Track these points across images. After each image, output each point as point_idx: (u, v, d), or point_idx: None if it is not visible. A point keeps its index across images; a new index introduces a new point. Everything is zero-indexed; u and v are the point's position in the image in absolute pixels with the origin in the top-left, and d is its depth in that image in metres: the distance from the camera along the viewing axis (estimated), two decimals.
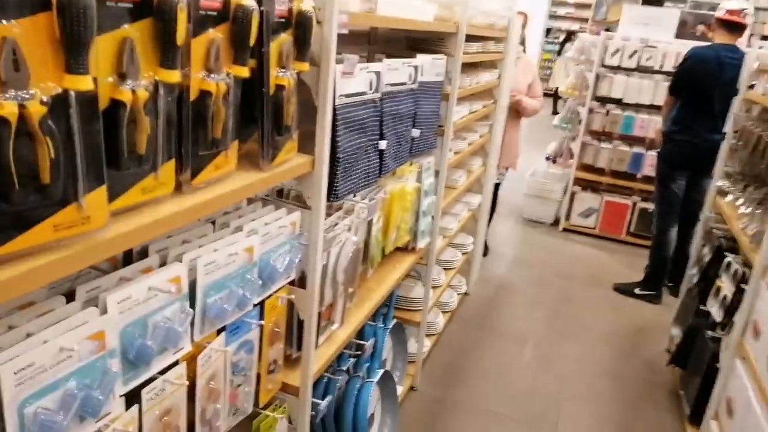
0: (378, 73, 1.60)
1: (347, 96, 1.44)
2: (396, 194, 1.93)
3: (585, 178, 5.00)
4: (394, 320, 2.33)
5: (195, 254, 1.02)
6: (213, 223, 1.20)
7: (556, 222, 5.15)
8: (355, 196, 1.70)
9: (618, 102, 4.79)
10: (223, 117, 0.98)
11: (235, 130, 1.04)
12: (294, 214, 1.29)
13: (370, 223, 1.78)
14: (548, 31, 13.86)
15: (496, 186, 4.06)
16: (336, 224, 1.52)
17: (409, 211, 2.10)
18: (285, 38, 1.12)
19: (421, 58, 1.95)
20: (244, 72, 1.01)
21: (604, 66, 4.75)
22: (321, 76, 1.24)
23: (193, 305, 1.01)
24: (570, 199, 5.05)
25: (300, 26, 1.15)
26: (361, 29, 2.31)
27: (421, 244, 2.26)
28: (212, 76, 0.94)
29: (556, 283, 4.05)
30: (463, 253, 3.27)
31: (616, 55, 4.70)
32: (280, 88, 1.12)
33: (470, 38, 2.52)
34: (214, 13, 0.91)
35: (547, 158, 5.37)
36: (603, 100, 4.82)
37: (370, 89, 1.57)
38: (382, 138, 1.69)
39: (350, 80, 1.43)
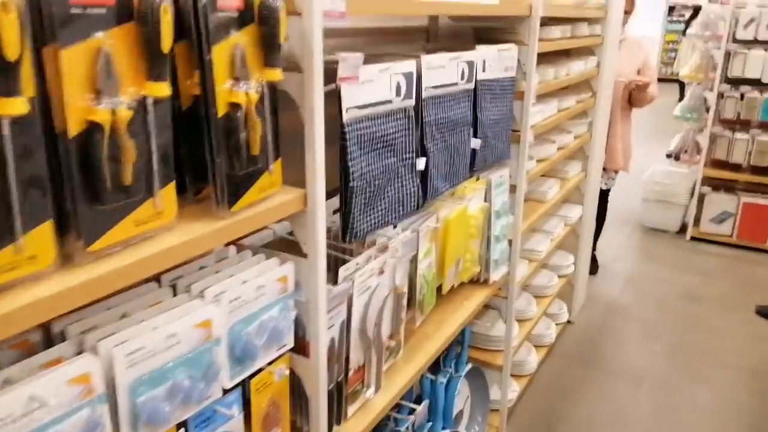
0: (409, 75, 1.26)
1: (360, 107, 1.12)
2: (452, 221, 1.57)
3: (716, 177, 4.25)
4: (469, 365, 1.96)
5: (118, 339, 0.76)
6: (174, 287, 0.93)
7: (683, 230, 4.43)
8: (395, 228, 1.38)
9: (756, 83, 4.01)
10: (132, 154, 0.71)
11: (165, 169, 0.77)
12: (285, 266, 1.00)
13: (415, 259, 1.44)
14: (671, 9, 12.47)
15: (605, 193, 3.51)
16: (358, 268, 1.20)
17: (475, 237, 1.73)
18: (238, 38, 0.83)
19: (481, 51, 1.58)
20: (163, 90, 0.73)
21: (735, 41, 4.00)
22: (305, 84, 0.93)
23: (117, 406, 0.75)
24: (699, 202, 4.31)
25: (265, 21, 0.85)
26: (416, 24, 1.98)
27: (496, 275, 1.87)
28: (104, 101, 0.67)
29: (682, 306, 3.41)
30: (560, 276, 2.80)
31: (750, 26, 3.93)
32: (234, 107, 0.83)
33: (553, 21, 2.10)
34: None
35: (668, 155, 4.64)
36: (736, 82, 4.07)
37: (398, 95, 1.24)
38: (422, 154, 1.35)
39: (361, 87, 1.10)
